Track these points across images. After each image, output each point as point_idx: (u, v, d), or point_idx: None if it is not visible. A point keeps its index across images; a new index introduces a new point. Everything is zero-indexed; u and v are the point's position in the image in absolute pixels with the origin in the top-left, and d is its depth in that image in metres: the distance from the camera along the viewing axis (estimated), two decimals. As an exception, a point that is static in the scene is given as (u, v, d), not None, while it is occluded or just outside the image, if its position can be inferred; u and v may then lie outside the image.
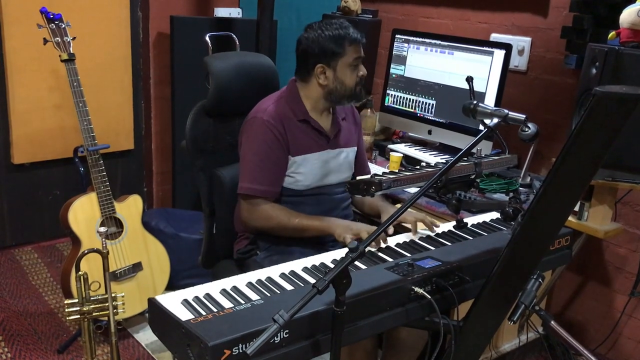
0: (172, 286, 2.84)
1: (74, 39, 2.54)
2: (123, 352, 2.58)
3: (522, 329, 2.64)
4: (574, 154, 1.25)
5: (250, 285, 1.51)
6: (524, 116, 1.51)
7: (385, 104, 3.02)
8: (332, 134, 2.10)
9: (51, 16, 2.49)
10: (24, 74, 3.20)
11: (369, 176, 1.42)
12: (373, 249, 1.71)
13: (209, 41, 3.33)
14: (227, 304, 1.39)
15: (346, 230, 1.86)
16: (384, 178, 1.42)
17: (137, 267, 2.65)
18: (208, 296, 1.43)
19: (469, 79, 1.68)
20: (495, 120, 1.50)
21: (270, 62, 2.33)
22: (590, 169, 1.32)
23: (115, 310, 1.94)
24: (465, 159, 1.62)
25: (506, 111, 1.53)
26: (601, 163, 1.30)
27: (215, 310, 1.35)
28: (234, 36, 3.45)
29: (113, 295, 1.93)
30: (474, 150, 2.50)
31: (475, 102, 1.59)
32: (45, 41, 2.51)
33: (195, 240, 3.03)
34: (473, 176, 1.57)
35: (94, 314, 1.93)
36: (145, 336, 2.72)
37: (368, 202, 2.22)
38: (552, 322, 1.49)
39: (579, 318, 2.84)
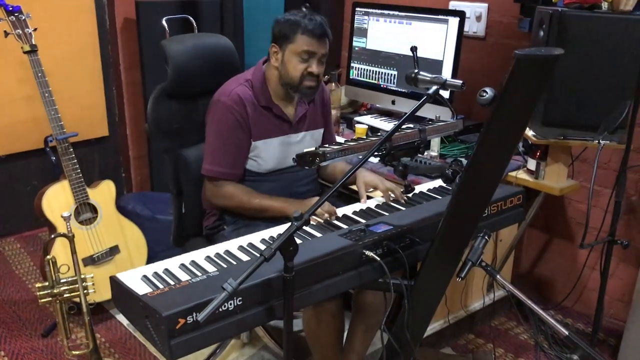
0: (151, 267, 2.90)
1: (35, 30, 2.56)
2: (106, 333, 2.66)
3: (491, 288, 2.73)
4: (502, 114, 1.32)
5: (208, 258, 1.58)
6: (461, 82, 1.57)
7: (351, 77, 3.06)
8: (295, 119, 2.14)
9: (10, 8, 2.50)
10: (-8, 67, 3.21)
11: (313, 148, 1.47)
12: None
13: (165, 25, 3.32)
14: (184, 277, 1.46)
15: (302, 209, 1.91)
16: (328, 149, 1.48)
17: (114, 251, 2.72)
18: (167, 271, 1.50)
19: (413, 49, 1.73)
20: (434, 87, 1.56)
21: (228, 42, 2.37)
22: (518, 127, 1.39)
23: (86, 291, 2.01)
24: (411, 126, 1.68)
25: (444, 78, 1.58)
26: (528, 120, 1.37)
27: (172, 283, 1.42)
28: (191, 18, 3.46)
29: (83, 276, 2.00)
30: (433, 117, 2.58)
31: (416, 71, 1.64)
32: (7, 34, 2.53)
33: (171, 221, 3.08)
34: (417, 142, 1.62)
35: (65, 295, 2.00)
36: (128, 317, 2.79)
37: (339, 169, 2.27)
38: (498, 277, 1.56)
39: (547, 274, 2.94)
